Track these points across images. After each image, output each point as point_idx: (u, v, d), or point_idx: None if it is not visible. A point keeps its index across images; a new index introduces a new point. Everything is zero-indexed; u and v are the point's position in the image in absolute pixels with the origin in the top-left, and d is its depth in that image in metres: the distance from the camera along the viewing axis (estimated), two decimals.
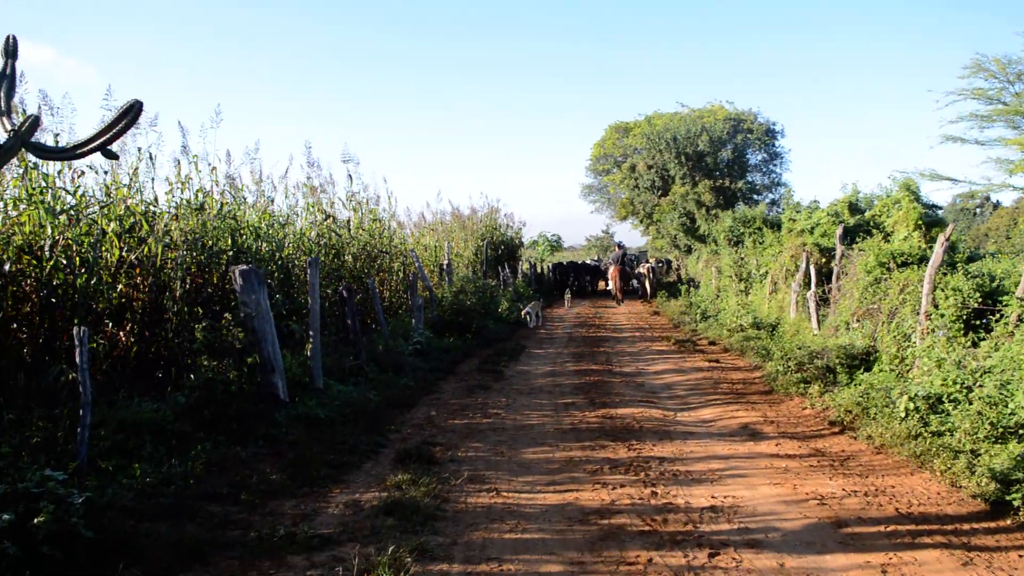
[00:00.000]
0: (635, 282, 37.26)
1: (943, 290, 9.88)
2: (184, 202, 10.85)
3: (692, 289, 30.68)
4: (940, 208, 21.62)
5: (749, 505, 6.08)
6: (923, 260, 11.86)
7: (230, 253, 11.22)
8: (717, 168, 37.81)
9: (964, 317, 9.54)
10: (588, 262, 46.31)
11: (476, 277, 23.06)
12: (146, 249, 9.38)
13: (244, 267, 8.33)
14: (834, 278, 14.10)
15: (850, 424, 8.62)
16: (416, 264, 17.59)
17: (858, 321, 11.88)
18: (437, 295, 17.79)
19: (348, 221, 15.91)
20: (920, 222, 19.47)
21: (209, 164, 11.30)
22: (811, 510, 5.95)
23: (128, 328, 9.01)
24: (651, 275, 38.71)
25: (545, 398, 10.67)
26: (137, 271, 9.18)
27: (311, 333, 9.95)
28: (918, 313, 10.11)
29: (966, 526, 5.62)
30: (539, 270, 41.87)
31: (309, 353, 9.94)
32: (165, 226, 9.83)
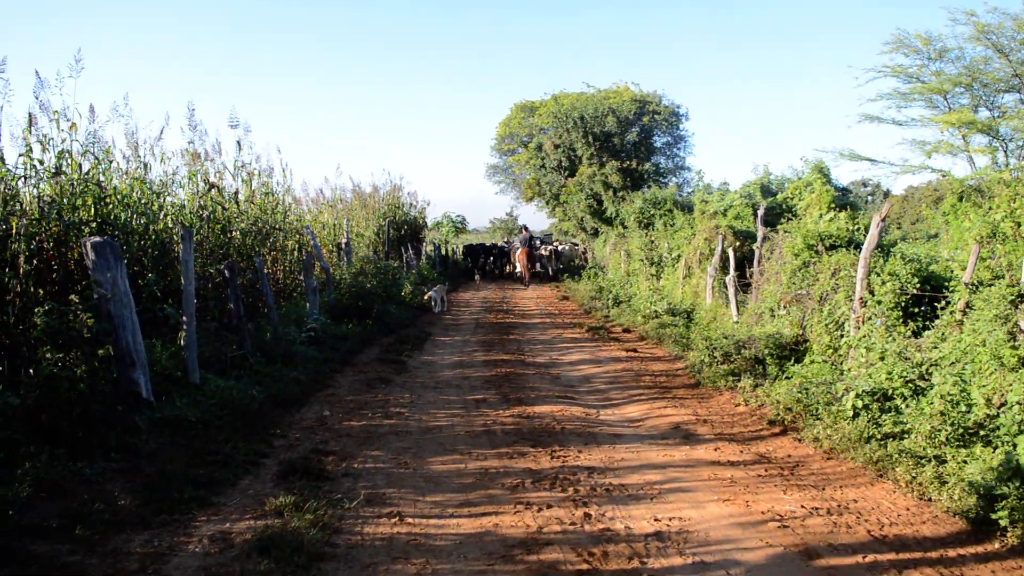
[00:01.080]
0: (539, 265, 36.72)
1: (879, 275, 9.23)
2: (37, 162, 9.33)
3: (600, 273, 30.09)
4: (850, 191, 21.38)
5: (700, 529, 5.15)
6: (851, 243, 11.27)
7: (93, 224, 9.74)
8: (624, 149, 37.27)
9: (903, 304, 8.90)
10: (497, 244, 45.41)
11: (378, 258, 21.76)
12: None
13: (97, 239, 6.97)
14: (755, 261, 13.45)
15: (792, 424, 7.85)
16: (312, 242, 16.22)
17: (785, 308, 11.21)
18: (335, 276, 16.48)
19: (236, 193, 14.45)
20: (832, 204, 19.13)
21: (67, 119, 9.75)
22: (772, 535, 5.06)
23: None
24: (554, 258, 38.20)
25: (454, 393, 9.61)
26: None
27: (185, 319, 8.64)
28: (852, 299, 9.45)
29: (951, 552, 4.82)
30: (444, 252, 40.67)
31: (182, 342, 8.63)
32: (8, 189, 8.33)
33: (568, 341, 14.48)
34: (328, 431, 7.60)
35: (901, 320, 8.70)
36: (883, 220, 9.30)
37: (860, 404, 7.33)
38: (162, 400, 7.38)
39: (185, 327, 8.60)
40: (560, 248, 41.29)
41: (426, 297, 20.31)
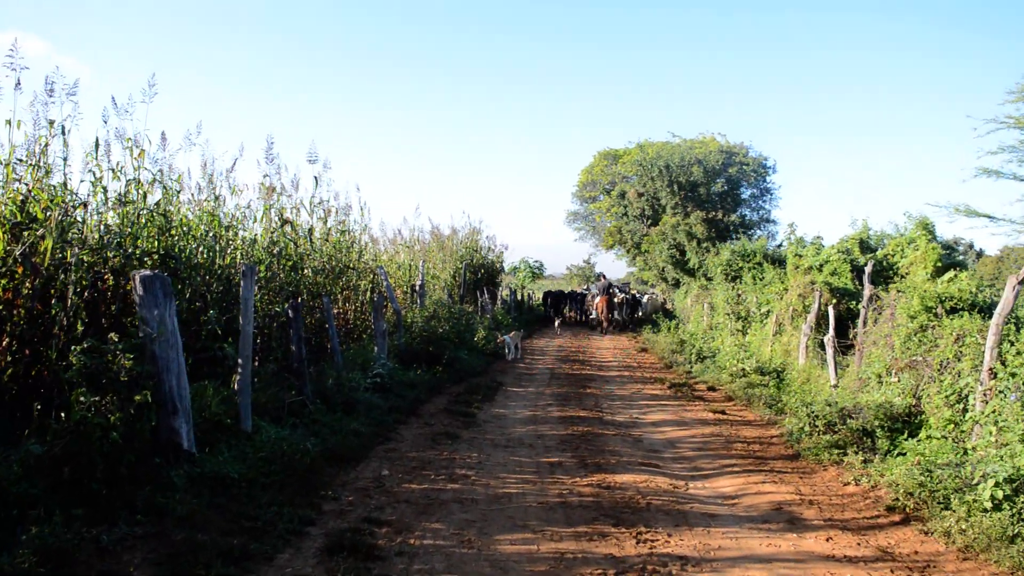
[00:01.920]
0: (616, 314, 35.78)
1: (1012, 343, 8.10)
2: (101, 188, 8.92)
3: (680, 325, 28.97)
4: (956, 250, 19.92)
5: None
6: (974, 307, 10.12)
7: (155, 256, 9.29)
8: (709, 200, 36.25)
9: None
10: (576, 291, 44.71)
11: (452, 302, 21.13)
12: (41, 244, 7.42)
13: (147, 272, 6.39)
14: (860, 323, 12.31)
15: (914, 512, 6.76)
16: (385, 283, 15.65)
17: (896, 375, 10.08)
18: (406, 320, 15.85)
19: (311, 230, 13.98)
20: (939, 263, 17.80)
21: (137, 145, 9.35)
22: None
23: (4, 344, 7.04)
24: (630, 307, 37.23)
25: (525, 454, 8.76)
26: (20, 269, 7.21)
27: (240, 361, 8.01)
28: (979, 370, 8.33)
29: None
30: (520, 297, 39.98)
31: (236, 386, 8.00)
32: (67, 216, 7.88)
33: (649, 398, 13.50)
34: (385, 494, 6.81)
35: None
36: (1021, 283, 8.20)
37: (1000, 494, 6.23)
38: (205, 452, 6.71)
39: (240, 370, 7.97)
40: (642, 297, 40.37)
41: (499, 340, 19.55)
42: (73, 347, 5.96)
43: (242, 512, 5.75)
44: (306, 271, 13.54)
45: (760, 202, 39.49)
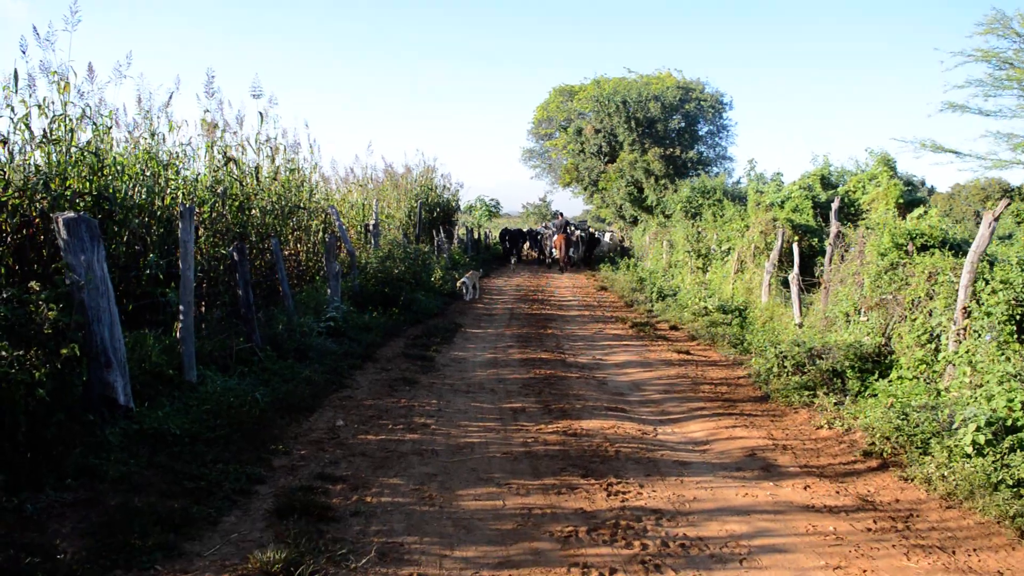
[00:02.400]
0: (573, 251, 35.57)
1: (988, 282, 7.87)
2: (24, 125, 8.25)
3: (639, 263, 28.78)
4: (916, 186, 19.82)
5: None
6: (944, 243, 9.91)
7: (88, 198, 8.66)
8: (667, 136, 35.84)
9: (1017, 317, 7.55)
10: (534, 229, 44.33)
11: (408, 241, 20.57)
12: None
13: (71, 215, 5.82)
14: (826, 260, 12.07)
15: (892, 457, 6.55)
16: (336, 223, 15.06)
17: (865, 314, 9.88)
18: (360, 261, 15.32)
19: (258, 168, 13.31)
20: (901, 200, 17.65)
21: (61, 79, 8.63)
22: None
23: None
24: (582, 244, 37.05)
25: (487, 399, 8.41)
26: None
27: (182, 308, 7.50)
28: (952, 308, 8.12)
29: None
30: (476, 236, 39.45)
31: (178, 334, 7.49)
32: None
33: (611, 338, 13.22)
34: (340, 447, 6.41)
35: (1015, 336, 7.37)
36: (996, 218, 7.95)
37: (982, 439, 6.02)
38: (144, 407, 6.24)
39: (182, 317, 7.46)
40: (603, 235, 40.22)
41: (459, 284, 19.14)
42: None
43: (184, 471, 5.31)
44: (254, 211, 12.93)
45: (716, 139, 39.18)
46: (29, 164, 8.44)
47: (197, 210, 10.84)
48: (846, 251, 11.71)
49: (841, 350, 9.04)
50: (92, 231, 5.87)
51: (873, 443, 6.81)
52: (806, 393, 8.61)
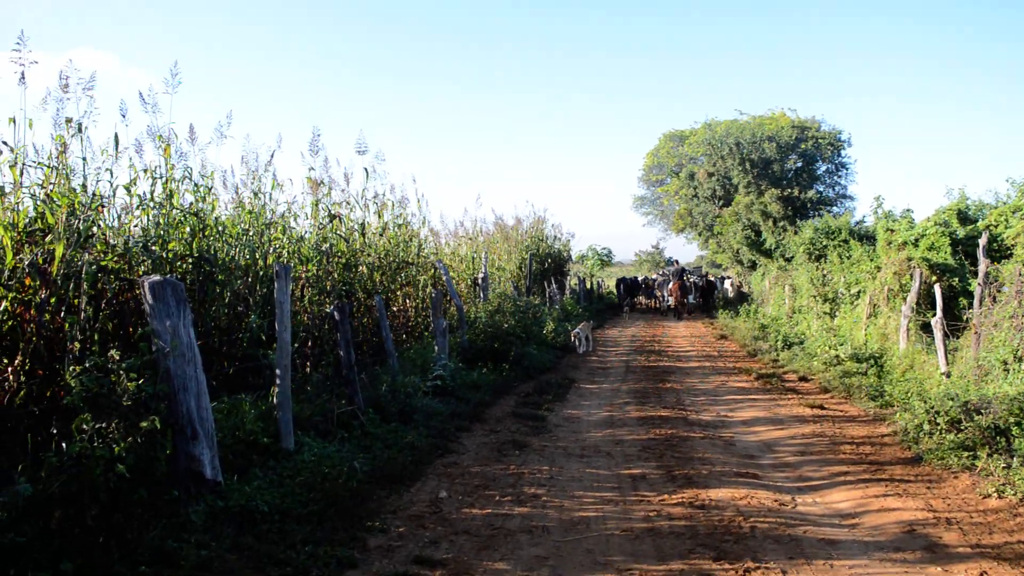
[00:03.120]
0: (690, 298, 34.62)
1: None
2: (124, 189, 8.17)
3: (759, 309, 27.54)
4: None
5: None
6: None
7: (189, 260, 8.51)
8: (783, 177, 34.61)
9: None
10: (650, 276, 43.59)
11: (518, 294, 20.12)
12: (56, 251, 6.64)
13: (156, 278, 5.53)
14: (975, 302, 10.94)
15: None
16: (444, 276, 14.74)
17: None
18: (469, 315, 14.92)
19: (363, 225, 13.14)
20: None
21: (162, 139, 8.56)
22: None
23: (17, 363, 6.29)
24: (697, 290, 36.09)
25: (603, 464, 7.71)
26: (28, 280, 6.45)
27: (278, 372, 7.15)
28: None
29: None
30: (588, 286, 38.81)
31: (275, 399, 7.13)
32: (83, 220, 7.09)
33: (735, 392, 12.32)
34: (442, 522, 5.85)
35: None
36: None
37: None
38: (234, 480, 5.84)
39: (279, 381, 7.10)
40: (721, 282, 39.18)
41: (572, 336, 18.53)
42: (71, 368, 5.11)
43: (270, 554, 4.84)
44: (361, 268, 12.72)
45: (835, 178, 37.64)
46: (131, 228, 8.38)
47: (301, 269, 10.66)
48: (998, 291, 10.58)
49: (1003, 404, 7.96)
50: (178, 295, 5.55)
51: None
52: (965, 454, 7.58)
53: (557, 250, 30.15)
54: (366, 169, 13.26)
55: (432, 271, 15.63)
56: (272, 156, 10.29)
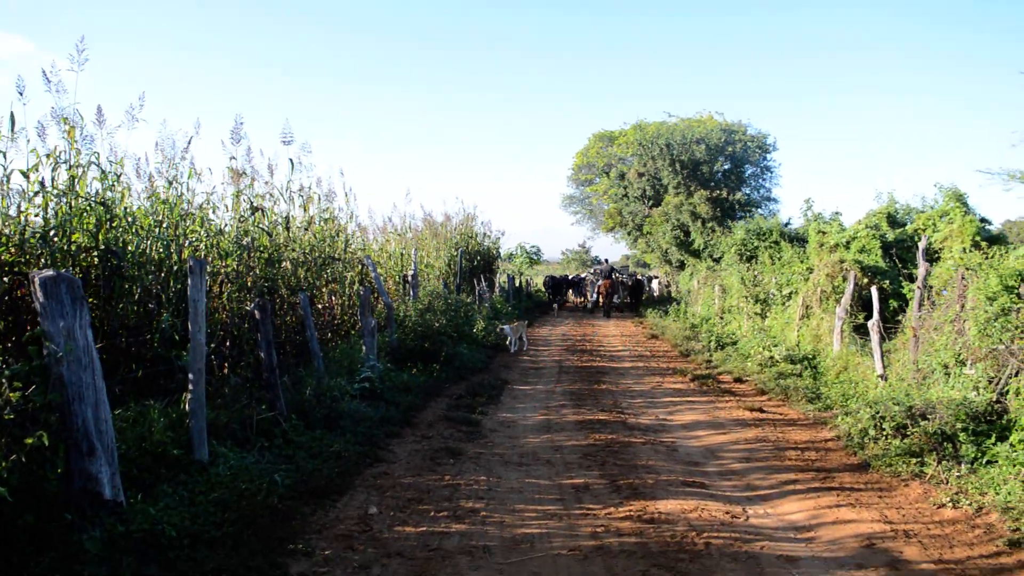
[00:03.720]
0: (617, 297, 34.61)
1: None
2: (27, 176, 7.43)
3: (687, 308, 27.56)
4: (990, 222, 18.41)
5: None
6: None
7: (95, 253, 7.80)
8: (712, 178, 34.80)
9: None
10: (580, 275, 43.50)
11: (448, 291, 19.58)
12: None
13: (48, 273, 4.89)
14: (914, 304, 10.85)
15: None
16: (372, 273, 14.14)
17: (971, 366, 8.63)
18: (398, 314, 14.34)
19: (287, 217, 12.46)
20: (977, 237, 16.31)
21: (66, 120, 7.82)
22: None
23: None
24: (624, 290, 36.18)
25: (543, 473, 7.27)
26: None
27: (191, 376, 6.53)
28: None
29: None
30: (517, 283, 38.44)
31: (187, 406, 6.51)
32: None
33: (672, 393, 12.04)
34: (373, 543, 5.32)
35: None
36: None
37: None
38: (138, 499, 5.22)
39: (192, 386, 6.48)
40: (648, 280, 39.36)
41: (499, 329, 18.11)
42: None
43: None
44: (284, 264, 12.05)
45: (760, 181, 38.02)
46: (31, 217, 7.63)
47: (220, 264, 9.99)
48: (938, 295, 10.51)
49: (949, 409, 7.80)
50: (74, 292, 4.91)
51: (1018, 529, 5.58)
52: (913, 461, 7.38)
53: (487, 247, 29.69)
54: (291, 160, 12.56)
55: (359, 267, 15.01)
56: (190, 142, 9.56)
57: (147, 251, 8.57)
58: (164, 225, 9.11)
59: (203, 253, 9.88)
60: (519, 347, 18.11)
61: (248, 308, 9.40)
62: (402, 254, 20.50)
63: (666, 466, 7.58)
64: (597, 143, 45.90)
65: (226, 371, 9.26)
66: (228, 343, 9.52)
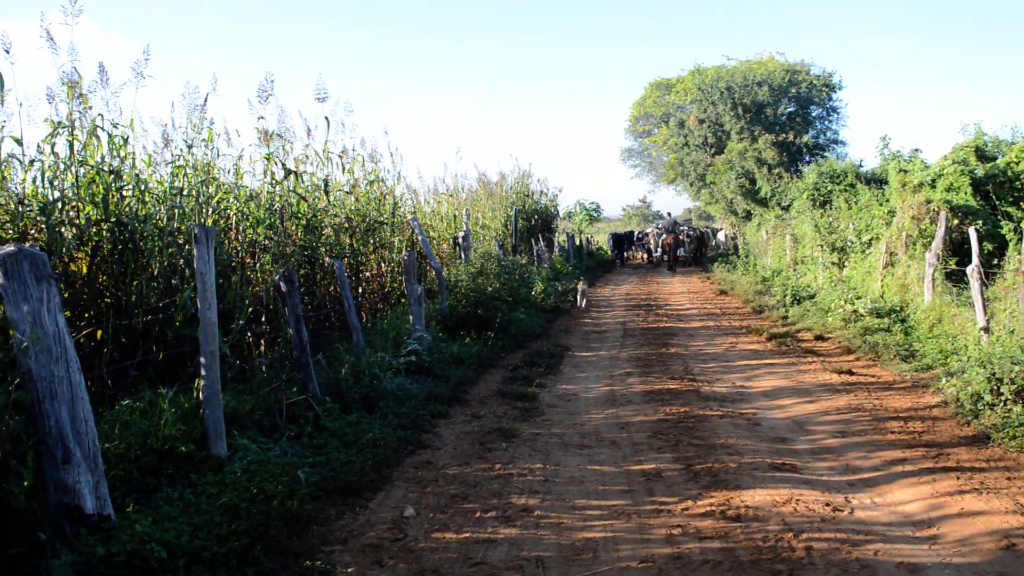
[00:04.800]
0: (682, 251, 33.42)
1: None
2: (20, 142, 6.71)
3: (757, 261, 26.27)
4: None
5: None
6: None
7: (104, 226, 7.06)
8: (777, 122, 33.14)
9: None
10: (646, 231, 42.40)
11: (504, 253, 18.68)
12: None
13: (9, 249, 4.12)
14: (1022, 249, 9.61)
15: None
16: (419, 236, 13.30)
17: None
18: (449, 279, 13.50)
19: (326, 181, 11.65)
20: None
21: (69, 83, 7.06)
22: None
23: None
24: (691, 243, 34.92)
25: (608, 457, 6.37)
26: None
27: (203, 360, 5.76)
28: None
29: None
30: (578, 242, 37.41)
31: (200, 394, 5.75)
32: None
33: (749, 355, 11.02)
34: (406, 555, 4.49)
35: None
36: None
37: None
38: (129, 510, 4.46)
39: (204, 371, 5.71)
40: (716, 233, 38.05)
41: (580, 288, 17.81)
42: None
43: None
44: (326, 231, 11.28)
45: (827, 123, 36.16)
46: (40, 190, 6.95)
47: (251, 232, 9.25)
48: None
49: None
50: (38, 270, 4.12)
51: None
52: None
53: (544, 206, 28.72)
54: (327, 119, 11.72)
55: (410, 232, 14.19)
56: (206, 100, 8.73)
57: (165, 221, 7.84)
58: (184, 192, 8.36)
59: (233, 220, 9.14)
60: (582, 304, 17.43)
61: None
62: (455, 216, 19.65)
63: (749, 444, 6.61)
64: (654, 92, 44.32)
65: (262, 349, 8.57)
66: (264, 318, 8.81)
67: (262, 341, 8.73)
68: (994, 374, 7.13)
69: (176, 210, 8.02)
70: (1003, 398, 6.92)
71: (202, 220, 8.33)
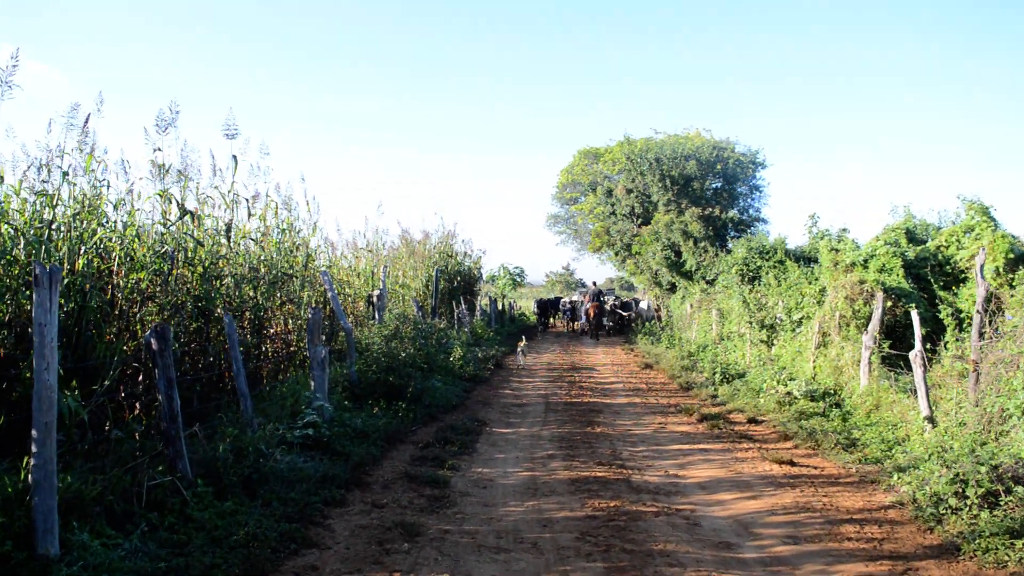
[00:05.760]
0: (605, 320, 33.02)
1: None
2: None
3: (680, 334, 25.84)
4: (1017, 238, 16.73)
5: None
6: None
7: None
8: (704, 196, 33.18)
9: None
10: (572, 298, 41.96)
11: (423, 315, 17.66)
12: None
13: None
14: (973, 332, 9.07)
15: None
16: (329, 292, 12.24)
17: None
18: (360, 341, 12.42)
19: (229, 225, 10.57)
20: (1010, 255, 14.63)
21: None
22: None
23: None
24: (614, 313, 34.71)
25: (528, 567, 5.36)
26: None
27: (35, 433, 4.64)
28: None
29: None
30: (500, 307, 36.56)
31: (29, 476, 4.61)
32: None
33: (680, 439, 10.20)
34: None
35: None
36: None
37: None
38: None
39: (35, 448, 4.58)
40: (638, 304, 37.82)
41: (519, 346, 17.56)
42: None
43: None
44: (226, 280, 10.18)
45: (750, 200, 36.48)
46: None
47: (134, 277, 8.12)
48: (1003, 321, 8.77)
49: None
50: None
51: None
52: (1019, 544, 5.56)
53: (467, 267, 27.89)
54: (235, 158, 10.70)
55: (322, 288, 13.12)
56: (87, 120, 7.64)
57: (23, 258, 6.70)
58: (53, 226, 7.23)
59: (115, 263, 8.00)
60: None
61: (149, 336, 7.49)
62: (372, 272, 18.64)
63: (691, 552, 5.71)
64: (583, 160, 44.43)
65: (138, 414, 7.40)
66: (142, 378, 7.66)
67: (136, 405, 7.57)
68: (958, 475, 6.43)
69: (42, 246, 6.88)
70: (969, 502, 6.21)
71: (58, 258, 7.15)
